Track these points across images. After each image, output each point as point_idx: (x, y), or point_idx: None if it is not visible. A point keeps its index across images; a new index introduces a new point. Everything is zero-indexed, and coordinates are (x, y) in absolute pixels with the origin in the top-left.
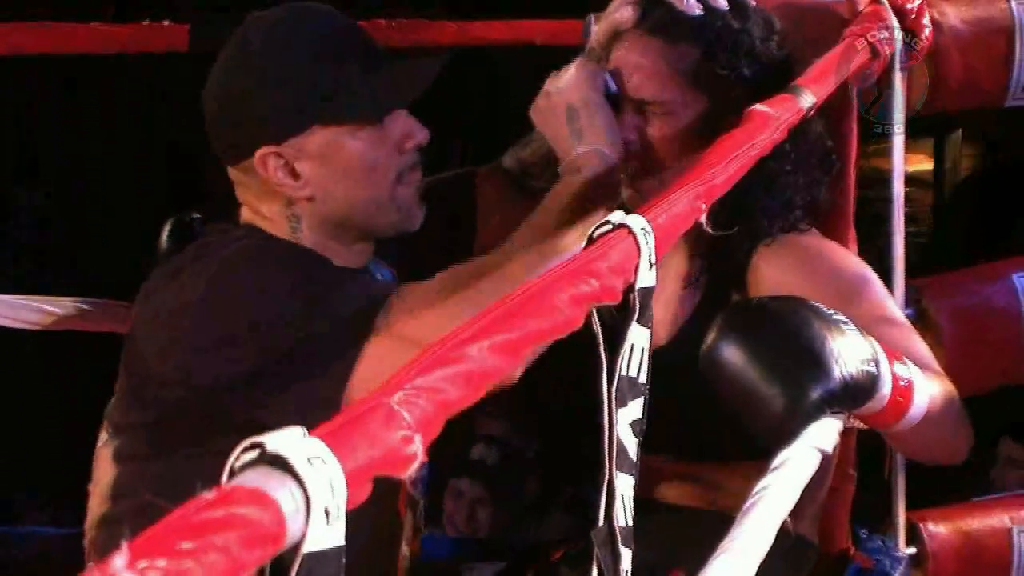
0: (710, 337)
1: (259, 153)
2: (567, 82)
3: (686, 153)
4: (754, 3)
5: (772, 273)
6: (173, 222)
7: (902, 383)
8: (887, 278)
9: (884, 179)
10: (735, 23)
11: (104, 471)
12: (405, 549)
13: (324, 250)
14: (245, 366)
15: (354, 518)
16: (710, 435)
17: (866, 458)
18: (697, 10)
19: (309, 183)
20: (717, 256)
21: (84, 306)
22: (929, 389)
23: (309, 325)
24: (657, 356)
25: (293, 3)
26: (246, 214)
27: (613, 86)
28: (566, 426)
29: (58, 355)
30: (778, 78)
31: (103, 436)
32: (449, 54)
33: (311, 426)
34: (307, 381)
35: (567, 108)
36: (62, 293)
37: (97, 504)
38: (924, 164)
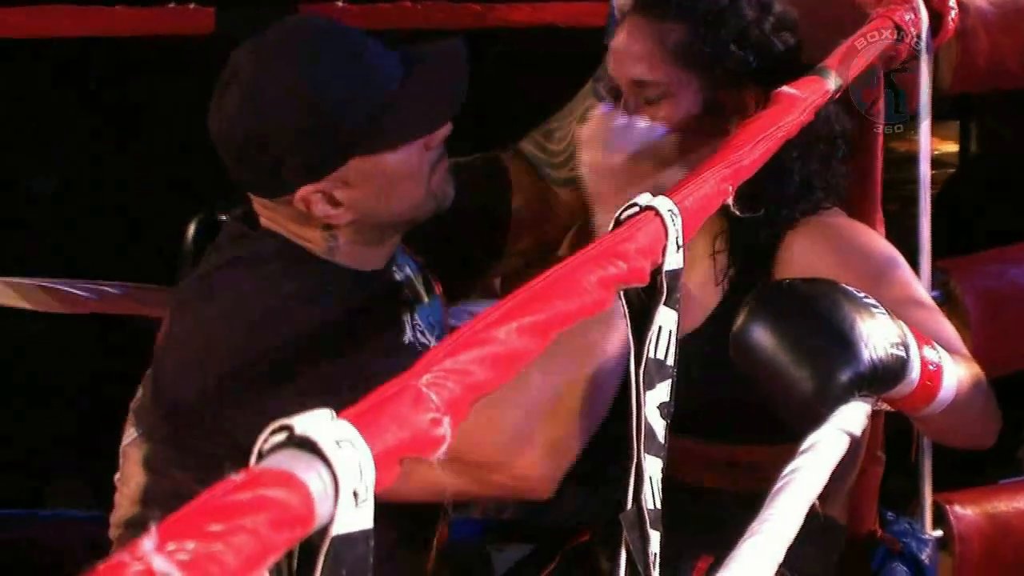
0: (739, 319)
1: (300, 193)
2: (658, 154)
3: (687, 147)
4: None
5: (800, 255)
6: (198, 223)
7: (931, 367)
8: (913, 260)
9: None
10: (723, 1)
11: (133, 472)
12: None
13: (358, 257)
14: (258, 415)
15: (390, 505)
16: (741, 418)
17: (893, 440)
18: None
19: (350, 208)
20: (744, 239)
21: (111, 289)
22: (958, 373)
23: (324, 391)
24: (689, 341)
25: (305, 23)
26: (269, 220)
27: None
28: None
29: (81, 337)
30: (774, 62)
31: (131, 432)
32: (471, 57)
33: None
34: None
35: (652, 187)
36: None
37: (128, 504)
38: (949, 146)
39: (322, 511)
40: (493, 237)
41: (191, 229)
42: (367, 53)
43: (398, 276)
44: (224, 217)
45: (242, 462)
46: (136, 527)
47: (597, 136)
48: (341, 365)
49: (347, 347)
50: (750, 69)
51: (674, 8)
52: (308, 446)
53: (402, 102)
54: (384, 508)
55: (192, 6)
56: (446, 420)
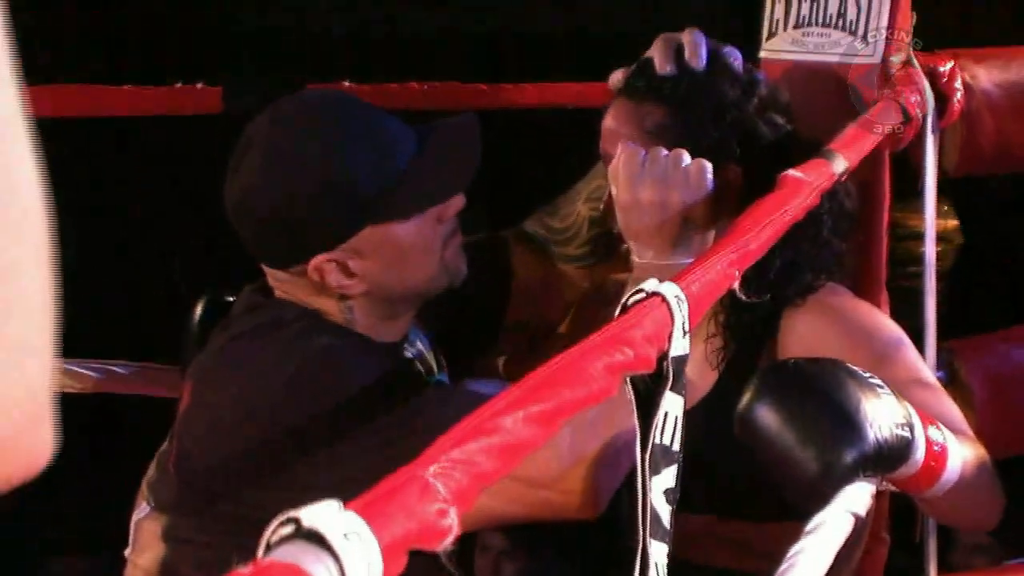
0: (745, 398)
1: (313, 263)
2: (687, 185)
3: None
4: (738, 65)
5: (803, 335)
6: (205, 304)
7: (936, 448)
8: (918, 338)
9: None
10: (704, 81)
11: (149, 544)
12: None
13: (375, 329)
14: (284, 475)
15: None
16: (742, 495)
17: (898, 518)
18: (667, 68)
19: (364, 279)
20: (739, 320)
21: (118, 369)
22: (962, 454)
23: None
24: (688, 416)
25: (318, 94)
26: (283, 292)
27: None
28: None
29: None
30: (758, 143)
31: (143, 506)
32: (480, 126)
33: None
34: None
35: (684, 217)
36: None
37: None
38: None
39: None
40: (496, 316)
41: (197, 310)
42: (381, 124)
43: (411, 351)
44: (230, 299)
45: (248, 530)
46: None
47: (626, 171)
48: (370, 435)
49: (376, 416)
50: (730, 149)
51: (652, 90)
52: (316, 539)
53: (415, 172)
54: None
55: (199, 85)
56: (452, 510)
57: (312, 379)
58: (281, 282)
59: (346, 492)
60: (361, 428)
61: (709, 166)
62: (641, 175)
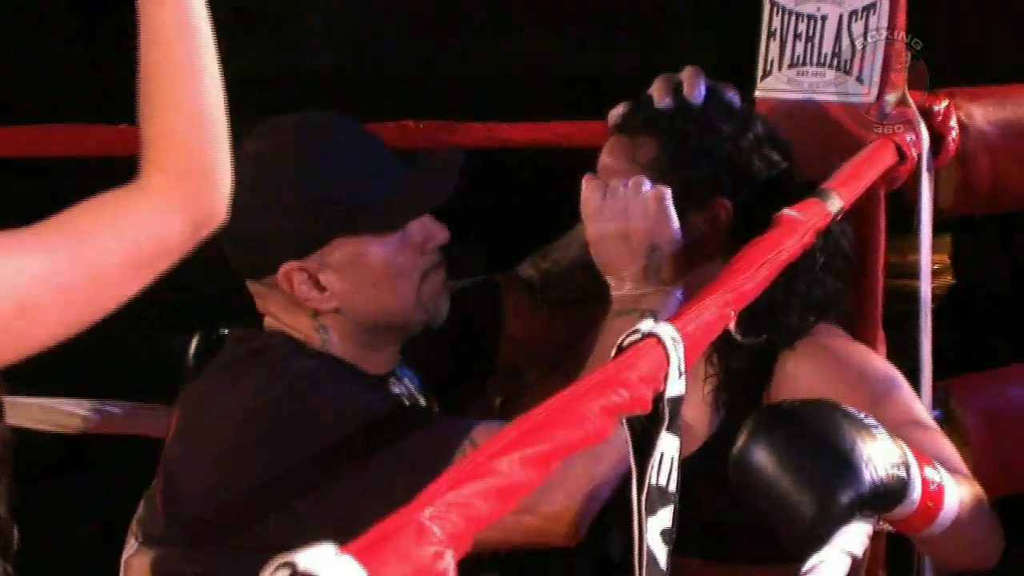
0: (740, 440)
1: (282, 270)
2: (647, 213)
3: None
4: (735, 101)
5: (798, 377)
6: (200, 338)
7: (932, 488)
8: (913, 377)
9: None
10: (698, 115)
11: None
12: None
13: (357, 358)
14: (273, 502)
15: None
16: (742, 539)
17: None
18: (665, 101)
19: (335, 294)
20: (736, 362)
21: (116, 409)
22: (959, 493)
23: (345, 473)
24: (688, 464)
25: (303, 113)
26: (270, 321)
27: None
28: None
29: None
30: (751, 178)
31: (132, 543)
32: (464, 155)
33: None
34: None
35: (648, 245)
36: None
37: None
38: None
39: None
40: (488, 360)
41: (192, 345)
42: (366, 144)
43: (399, 388)
44: (225, 331)
45: (268, 556)
46: None
47: (588, 205)
48: (355, 469)
49: (362, 448)
50: (720, 184)
51: (647, 124)
52: None
53: (389, 191)
54: None
55: None
56: (449, 553)
57: (296, 405)
58: (260, 298)
59: (332, 525)
60: (346, 460)
61: (668, 192)
62: (601, 208)
